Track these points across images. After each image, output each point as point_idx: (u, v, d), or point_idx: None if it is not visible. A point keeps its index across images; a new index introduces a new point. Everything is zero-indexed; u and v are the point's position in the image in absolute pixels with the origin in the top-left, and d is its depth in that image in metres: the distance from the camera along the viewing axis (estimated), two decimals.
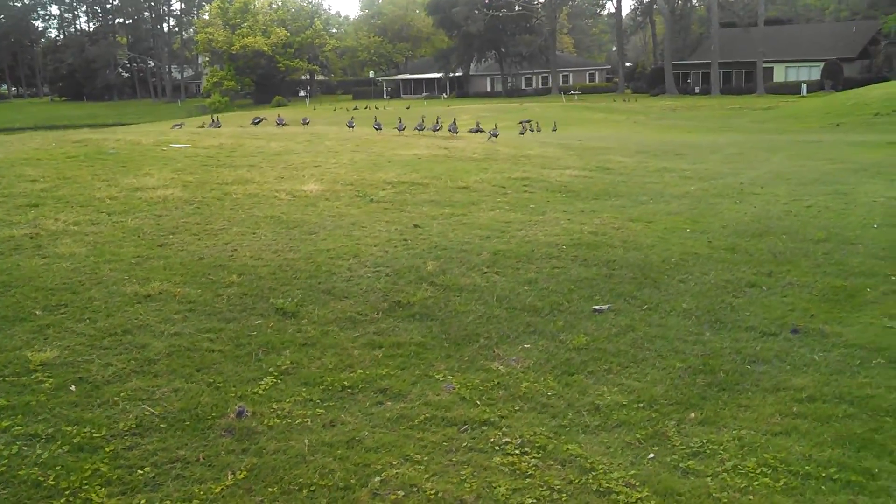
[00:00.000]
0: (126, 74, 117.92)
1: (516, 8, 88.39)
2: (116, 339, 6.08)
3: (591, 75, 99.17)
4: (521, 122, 34.07)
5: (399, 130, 23.15)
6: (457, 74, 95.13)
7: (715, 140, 28.72)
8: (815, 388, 5.68)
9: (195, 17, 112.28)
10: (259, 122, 26.75)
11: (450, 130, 23.05)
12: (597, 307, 7.38)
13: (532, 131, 29.80)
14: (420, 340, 6.46)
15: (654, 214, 11.84)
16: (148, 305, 6.78)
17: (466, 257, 8.77)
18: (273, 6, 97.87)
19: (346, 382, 5.64)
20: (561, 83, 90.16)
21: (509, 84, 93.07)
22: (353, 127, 24.23)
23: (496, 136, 21.93)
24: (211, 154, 15.81)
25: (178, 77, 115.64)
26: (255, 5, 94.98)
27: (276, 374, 5.71)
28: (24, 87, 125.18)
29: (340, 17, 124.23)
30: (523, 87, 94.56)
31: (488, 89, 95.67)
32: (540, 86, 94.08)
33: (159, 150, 15.90)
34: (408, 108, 58.90)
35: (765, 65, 69.00)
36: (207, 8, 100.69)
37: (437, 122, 23.59)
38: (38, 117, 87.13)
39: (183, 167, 13.90)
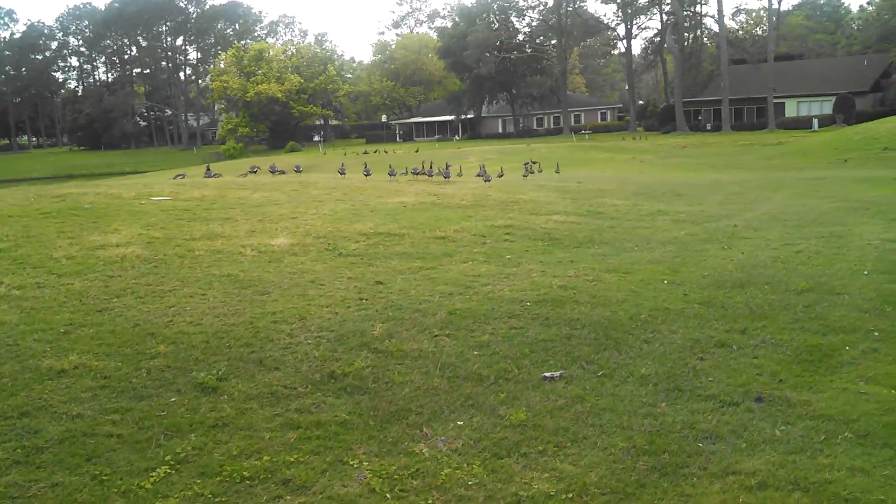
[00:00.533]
0: (143, 123, 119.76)
1: (527, 50, 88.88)
2: (10, 424, 5.62)
3: (603, 114, 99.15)
4: (525, 164, 33.82)
5: (391, 176, 22.82)
6: (469, 116, 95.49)
7: (718, 179, 28.19)
8: (768, 471, 5.09)
9: (211, 66, 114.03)
10: (255, 171, 26.61)
11: (443, 175, 22.71)
12: (547, 374, 6.84)
13: (533, 173, 29.49)
14: (344, 419, 5.94)
15: (634, 264, 11.30)
16: (59, 382, 6.32)
17: (420, 318, 8.27)
18: (287, 53, 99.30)
19: (247, 472, 5.12)
20: (573, 122, 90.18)
21: (521, 125, 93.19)
22: (344, 174, 23.95)
23: (489, 181, 21.53)
24: (189, 207, 15.51)
25: (195, 124, 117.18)
26: (269, 53, 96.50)
27: (172, 462, 5.21)
28: (44, 137, 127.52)
29: (354, 62, 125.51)
30: (535, 127, 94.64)
31: (500, 130, 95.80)
32: (551, 125, 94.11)
33: (137, 204, 15.63)
34: (416, 151, 58.98)
35: (776, 100, 68.53)
36: (223, 56, 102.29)
37: (431, 167, 23.27)
38: (56, 167, 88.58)
39: (155, 222, 13.58)
